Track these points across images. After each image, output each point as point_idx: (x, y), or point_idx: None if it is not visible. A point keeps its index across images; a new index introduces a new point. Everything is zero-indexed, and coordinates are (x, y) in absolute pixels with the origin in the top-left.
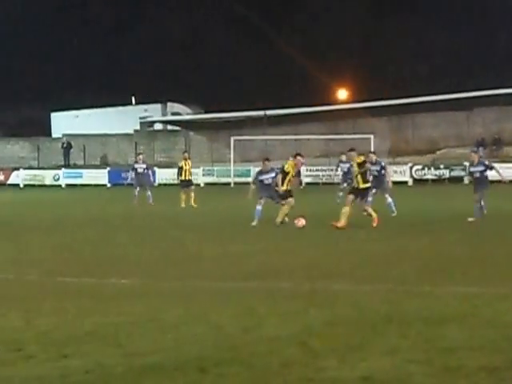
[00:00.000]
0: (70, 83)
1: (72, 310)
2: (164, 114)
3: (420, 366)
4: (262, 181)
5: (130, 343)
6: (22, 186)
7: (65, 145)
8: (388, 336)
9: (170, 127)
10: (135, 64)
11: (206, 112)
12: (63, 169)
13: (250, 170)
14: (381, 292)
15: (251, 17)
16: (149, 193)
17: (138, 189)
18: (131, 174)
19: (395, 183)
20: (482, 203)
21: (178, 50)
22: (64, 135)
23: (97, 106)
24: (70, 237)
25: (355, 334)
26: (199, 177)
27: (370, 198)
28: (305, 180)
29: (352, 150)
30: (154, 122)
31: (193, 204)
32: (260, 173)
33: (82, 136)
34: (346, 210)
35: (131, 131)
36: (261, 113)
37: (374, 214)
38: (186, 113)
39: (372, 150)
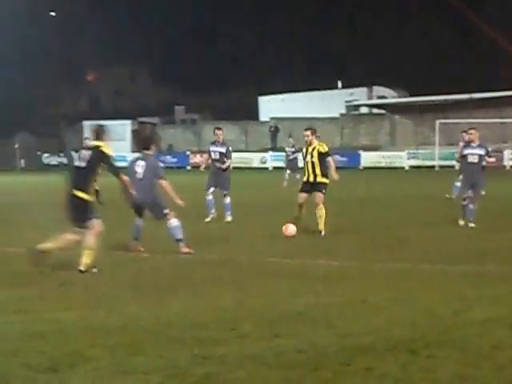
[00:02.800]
0: (277, 68)
1: (283, 290)
2: (370, 98)
3: None
4: None
5: (341, 324)
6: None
7: (272, 128)
8: None
9: (375, 111)
10: (340, 49)
11: (411, 95)
12: (270, 152)
13: (454, 153)
14: None
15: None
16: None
17: (288, 172)
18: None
19: None
20: None
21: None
22: (271, 119)
23: (303, 90)
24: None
25: None
26: (404, 160)
27: None
28: (510, 163)
29: None
30: (360, 105)
31: None
32: None
33: (289, 119)
34: None
35: (337, 115)
36: (466, 96)
37: None
38: (391, 96)
39: None
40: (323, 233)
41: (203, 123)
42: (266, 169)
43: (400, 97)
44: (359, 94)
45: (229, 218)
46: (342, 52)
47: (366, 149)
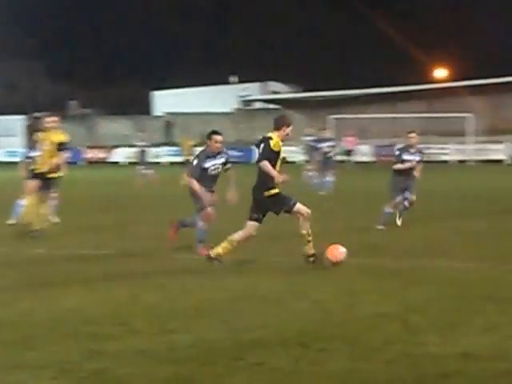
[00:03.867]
0: (171, 62)
1: (176, 285)
2: (264, 93)
3: None
4: None
5: (233, 319)
6: (122, 163)
7: (166, 123)
8: (487, 313)
9: (271, 106)
10: (236, 43)
11: (305, 91)
12: (164, 146)
13: (344, 148)
14: (480, 270)
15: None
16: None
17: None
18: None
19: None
20: None
21: (278, 29)
22: (166, 114)
23: (197, 85)
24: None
25: (455, 310)
26: (298, 155)
27: None
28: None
29: None
30: (253, 100)
31: None
32: None
33: (183, 114)
34: None
35: (231, 110)
36: (359, 91)
37: None
38: (285, 91)
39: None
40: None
41: (96, 118)
42: (159, 163)
43: (294, 92)
44: (253, 89)
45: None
46: (238, 47)
47: None
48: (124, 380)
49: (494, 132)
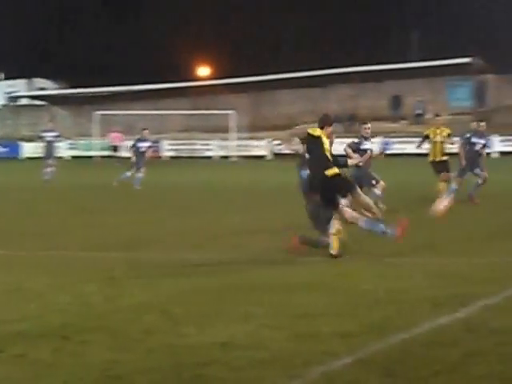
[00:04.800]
0: None
1: None
2: (30, 89)
3: (275, 332)
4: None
5: None
6: None
7: None
8: (245, 303)
9: (37, 102)
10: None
11: (72, 87)
12: None
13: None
14: (237, 262)
15: None
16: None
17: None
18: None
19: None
20: None
21: (45, 25)
22: None
23: None
24: None
25: (214, 302)
26: (64, 150)
27: None
28: (168, 154)
29: None
30: (19, 96)
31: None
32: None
33: None
34: None
35: None
36: (124, 88)
37: None
38: (52, 88)
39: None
40: None
41: None
42: None
43: (61, 88)
44: (20, 86)
45: None
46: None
47: (27, 139)
48: None
49: (255, 129)
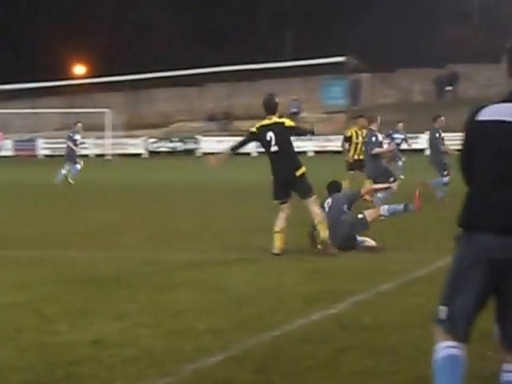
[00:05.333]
0: None
1: None
2: None
3: (148, 329)
4: None
5: None
6: None
7: None
8: (118, 301)
9: None
10: None
11: None
12: None
13: None
14: (112, 259)
15: None
16: None
17: None
18: None
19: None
20: None
21: None
22: None
23: None
24: None
25: (87, 299)
26: None
27: None
28: (43, 152)
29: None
30: None
31: None
32: None
33: None
34: None
35: None
36: None
37: None
38: None
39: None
40: None
41: None
42: None
43: None
44: None
45: None
46: None
47: None
48: None
49: (132, 127)
